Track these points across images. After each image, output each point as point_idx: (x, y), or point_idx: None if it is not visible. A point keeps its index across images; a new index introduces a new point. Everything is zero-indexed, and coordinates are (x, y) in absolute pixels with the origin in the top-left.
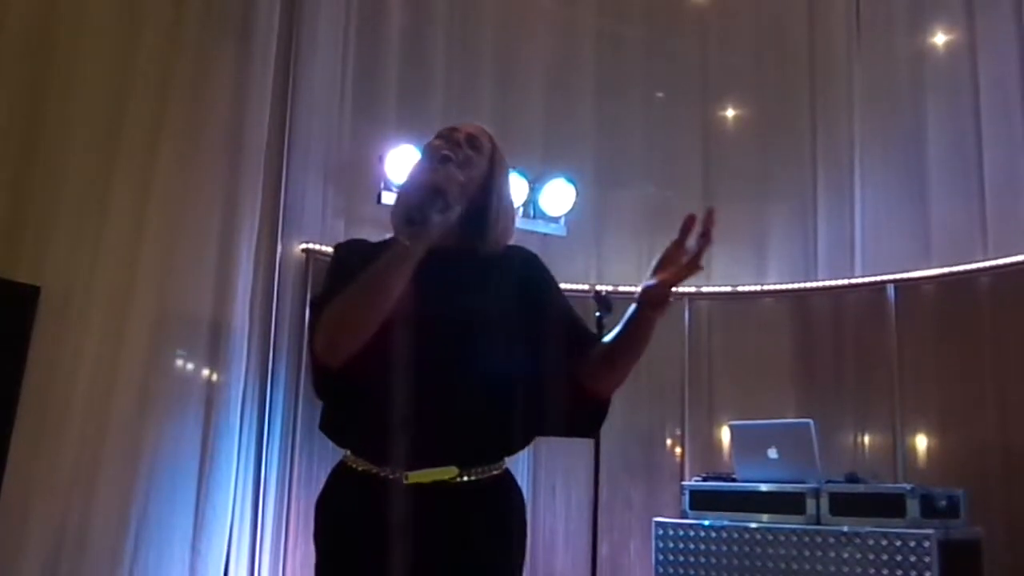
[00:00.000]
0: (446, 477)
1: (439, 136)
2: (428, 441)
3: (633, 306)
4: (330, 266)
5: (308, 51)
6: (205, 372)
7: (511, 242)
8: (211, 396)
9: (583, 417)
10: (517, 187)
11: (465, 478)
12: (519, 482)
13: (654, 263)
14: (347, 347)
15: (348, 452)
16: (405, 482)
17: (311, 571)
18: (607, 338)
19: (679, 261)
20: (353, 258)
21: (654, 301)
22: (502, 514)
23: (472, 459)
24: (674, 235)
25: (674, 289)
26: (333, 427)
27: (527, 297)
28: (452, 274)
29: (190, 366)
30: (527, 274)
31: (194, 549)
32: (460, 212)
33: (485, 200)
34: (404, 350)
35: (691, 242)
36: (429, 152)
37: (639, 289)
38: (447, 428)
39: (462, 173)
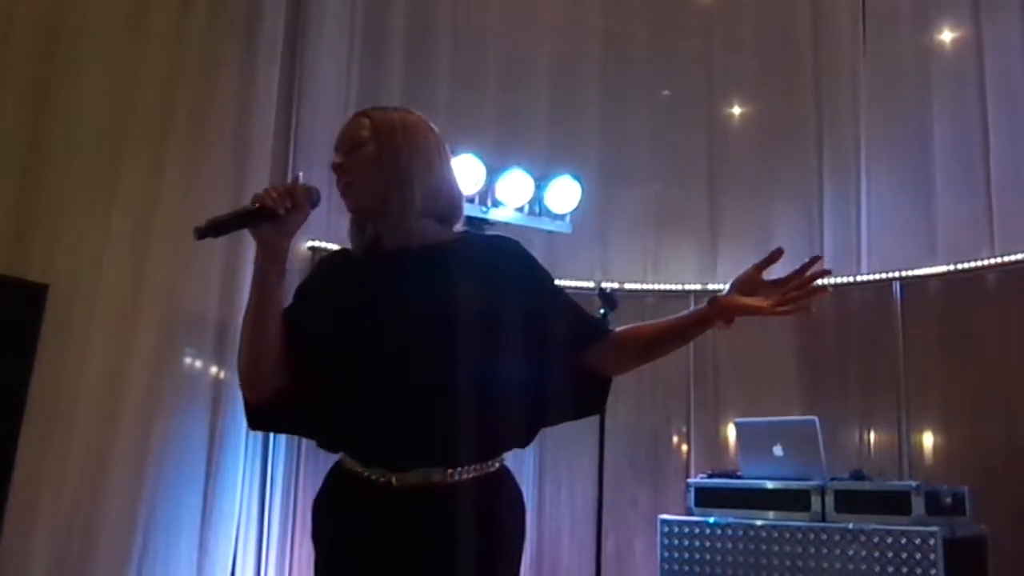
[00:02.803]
0: (435, 479)
1: None
2: (412, 443)
3: (696, 308)
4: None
5: (313, 52)
6: (212, 370)
7: (489, 232)
8: (218, 394)
9: (589, 396)
10: (523, 185)
11: (456, 478)
12: (525, 480)
13: (735, 280)
14: (259, 381)
15: (343, 454)
16: (394, 484)
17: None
18: (641, 328)
19: (760, 287)
20: (310, 277)
21: (724, 315)
22: (495, 511)
23: (460, 459)
24: (680, 233)
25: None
26: (320, 437)
27: (505, 285)
28: (410, 271)
29: (197, 364)
30: (507, 262)
31: (201, 546)
32: (301, 218)
33: (391, 189)
34: (369, 356)
35: (790, 282)
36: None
37: (713, 294)
38: (429, 429)
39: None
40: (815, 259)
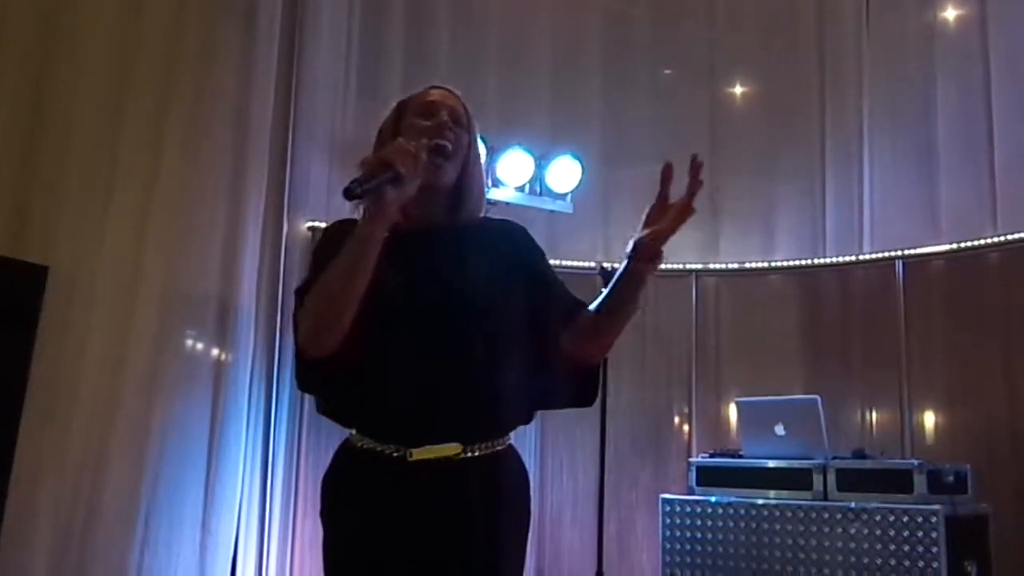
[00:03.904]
0: (449, 454)
1: (422, 114)
2: (430, 419)
3: (623, 264)
4: (314, 249)
5: (312, 30)
6: (213, 351)
7: (495, 215)
8: (219, 375)
9: (577, 387)
10: (523, 165)
11: (468, 454)
12: (527, 459)
13: (644, 218)
14: (328, 338)
15: (353, 431)
16: (409, 459)
17: (319, 547)
18: (594, 304)
19: (670, 212)
20: (333, 242)
21: (646, 254)
22: (505, 489)
23: (475, 435)
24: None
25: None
26: (334, 409)
27: (518, 270)
28: (439, 250)
29: (198, 345)
30: (517, 247)
31: (204, 527)
32: (417, 184)
33: (466, 174)
34: (398, 329)
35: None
36: (413, 132)
37: (628, 245)
38: (448, 405)
39: (434, 148)
40: (693, 157)
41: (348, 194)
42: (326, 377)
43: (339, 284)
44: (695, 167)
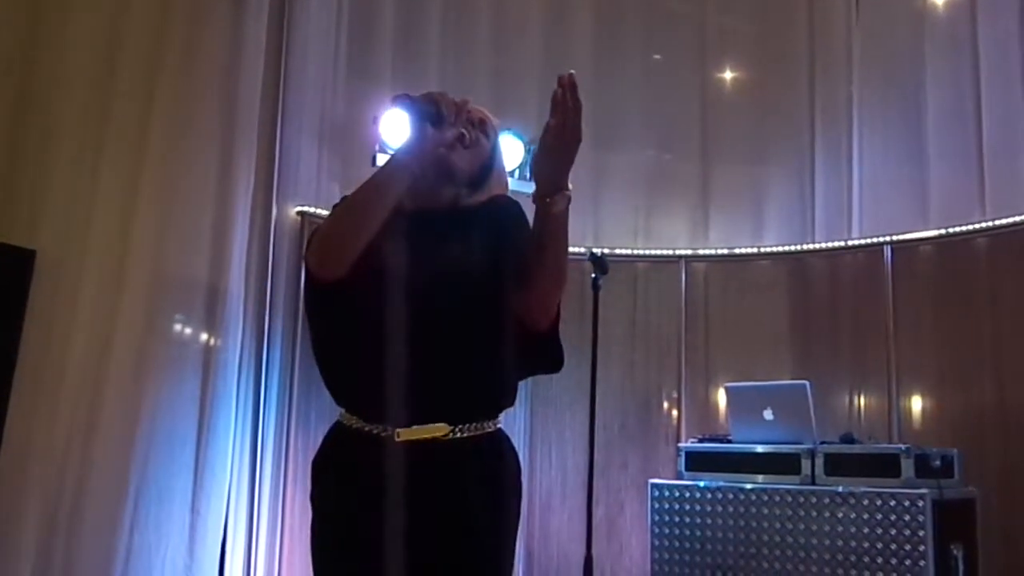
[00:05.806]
0: (437, 434)
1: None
2: (419, 399)
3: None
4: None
5: (302, 12)
6: (202, 336)
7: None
8: (208, 359)
9: (535, 354)
10: (513, 149)
11: (457, 435)
12: (517, 443)
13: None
14: (337, 255)
15: (343, 411)
16: (397, 439)
17: (308, 530)
18: None
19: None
20: None
21: (546, 184)
22: (494, 470)
23: (463, 416)
24: (672, 198)
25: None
26: (329, 385)
27: (505, 251)
28: (434, 233)
29: (187, 330)
30: (507, 226)
31: (193, 510)
32: (455, 136)
33: (482, 181)
34: (392, 308)
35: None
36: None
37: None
38: (437, 385)
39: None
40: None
41: (393, 98)
42: (327, 311)
43: (363, 202)
44: (564, 84)
